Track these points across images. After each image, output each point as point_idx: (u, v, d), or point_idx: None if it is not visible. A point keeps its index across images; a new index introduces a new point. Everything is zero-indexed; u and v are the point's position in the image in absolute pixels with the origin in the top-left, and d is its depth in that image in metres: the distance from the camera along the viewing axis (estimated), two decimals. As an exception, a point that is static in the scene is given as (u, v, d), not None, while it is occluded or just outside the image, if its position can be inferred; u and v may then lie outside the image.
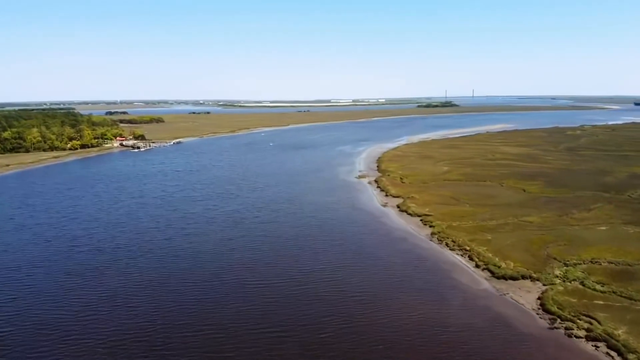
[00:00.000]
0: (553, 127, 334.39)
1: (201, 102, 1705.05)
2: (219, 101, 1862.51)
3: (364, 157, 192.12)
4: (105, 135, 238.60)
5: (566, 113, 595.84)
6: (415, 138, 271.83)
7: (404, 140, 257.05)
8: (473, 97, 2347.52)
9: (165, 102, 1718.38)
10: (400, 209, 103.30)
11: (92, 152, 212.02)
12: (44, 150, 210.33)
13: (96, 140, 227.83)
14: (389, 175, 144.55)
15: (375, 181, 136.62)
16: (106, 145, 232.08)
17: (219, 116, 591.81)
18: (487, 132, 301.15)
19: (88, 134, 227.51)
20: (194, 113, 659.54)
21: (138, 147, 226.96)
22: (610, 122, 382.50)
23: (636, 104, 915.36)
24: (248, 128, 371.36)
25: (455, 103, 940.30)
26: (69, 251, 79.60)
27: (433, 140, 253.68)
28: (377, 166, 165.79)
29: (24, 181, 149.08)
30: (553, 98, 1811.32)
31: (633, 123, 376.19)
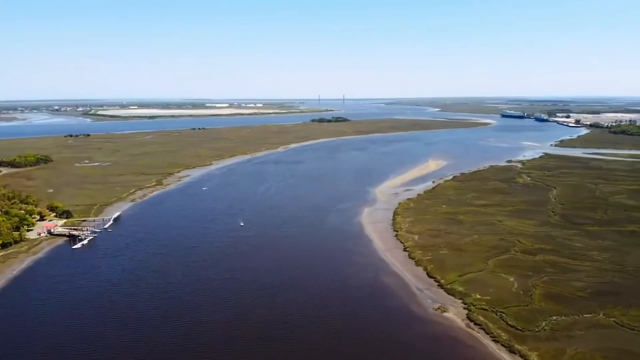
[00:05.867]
0: (489, 166, 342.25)
1: (56, 107, 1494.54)
2: (76, 105, 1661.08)
3: (383, 249, 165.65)
4: (26, 220, 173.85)
5: (461, 135, 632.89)
6: (383, 195, 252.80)
7: (378, 202, 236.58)
8: (344, 101, 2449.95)
9: (14, 108, 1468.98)
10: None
11: (21, 255, 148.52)
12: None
13: (17, 233, 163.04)
14: (473, 305, 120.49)
15: (477, 325, 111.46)
16: (30, 237, 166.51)
17: (111, 142, 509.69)
18: (442, 179, 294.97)
19: (4, 222, 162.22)
20: (70, 135, 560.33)
21: (80, 240, 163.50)
22: (529, 156, 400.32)
23: (503, 116, 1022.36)
24: (171, 174, 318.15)
25: (345, 117, 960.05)
26: None
27: (409, 200, 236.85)
28: (434, 279, 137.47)
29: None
30: (417, 104, 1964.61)
31: (547, 155, 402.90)
